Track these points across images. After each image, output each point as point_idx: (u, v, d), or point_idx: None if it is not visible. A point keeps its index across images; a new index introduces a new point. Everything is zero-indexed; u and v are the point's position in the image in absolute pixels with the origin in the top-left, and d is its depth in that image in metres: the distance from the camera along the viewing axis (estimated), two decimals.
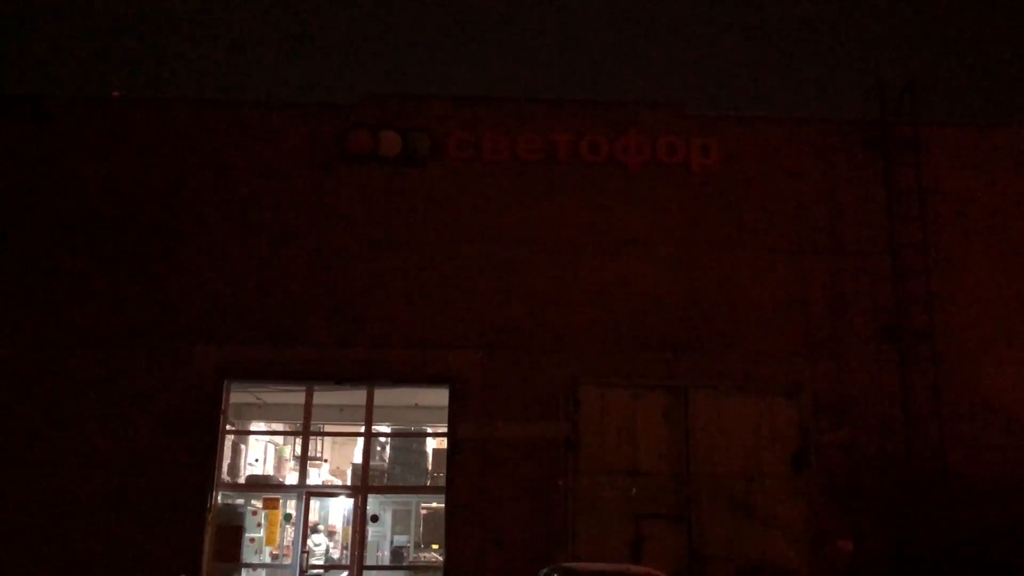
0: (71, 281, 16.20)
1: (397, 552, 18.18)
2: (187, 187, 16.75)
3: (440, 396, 16.36)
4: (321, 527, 18.28)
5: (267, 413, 19.14)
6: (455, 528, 15.49)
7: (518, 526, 15.26)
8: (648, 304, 16.50)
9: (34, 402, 15.59)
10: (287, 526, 17.08)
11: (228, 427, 16.49)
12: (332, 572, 17.37)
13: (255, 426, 19.22)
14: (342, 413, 18.19)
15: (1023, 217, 17.29)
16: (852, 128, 17.57)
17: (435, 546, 17.85)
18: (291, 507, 16.82)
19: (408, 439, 18.96)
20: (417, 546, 18.59)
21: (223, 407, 16.03)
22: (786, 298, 16.63)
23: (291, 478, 18.76)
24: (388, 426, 19.09)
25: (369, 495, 16.64)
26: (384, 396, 16.89)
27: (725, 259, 16.78)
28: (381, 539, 18.23)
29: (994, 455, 15.98)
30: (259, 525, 16.66)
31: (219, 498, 15.86)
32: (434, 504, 18.43)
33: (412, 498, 18.57)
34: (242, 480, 17.53)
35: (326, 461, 21.18)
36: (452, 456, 15.89)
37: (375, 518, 17.28)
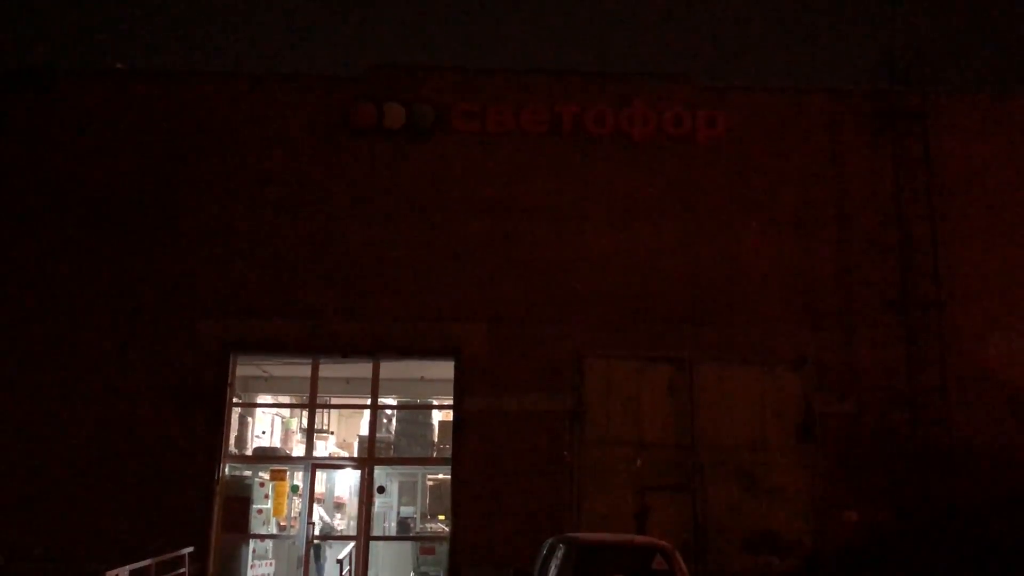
0: (76, 256, 16.23)
1: (403, 523, 18.32)
2: (192, 161, 16.73)
3: (446, 369, 16.41)
4: (319, 502, 18.40)
5: (274, 386, 19.23)
6: (461, 499, 15.59)
7: (524, 497, 15.35)
8: (653, 276, 16.48)
9: (42, 376, 15.67)
10: (294, 498, 17.21)
11: (235, 400, 16.58)
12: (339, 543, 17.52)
13: (262, 399, 19.33)
14: (348, 386, 18.27)
15: None
16: (860, 99, 17.43)
17: (441, 517, 17.98)
18: (298, 479, 16.93)
19: (414, 411, 19.03)
20: (423, 517, 18.74)
21: (230, 380, 16.11)
22: (792, 270, 16.59)
23: (298, 450, 18.88)
24: (394, 398, 19.18)
25: (376, 467, 16.75)
26: (390, 369, 16.96)
27: (731, 231, 16.73)
28: (388, 510, 18.36)
29: (998, 426, 16.00)
30: (266, 497, 16.80)
31: (226, 470, 15.98)
32: (440, 476, 18.55)
33: (418, 470, 18.68)
34: (249, 452, 17.64)
35: (332, 433, 21.31)
36: (458, 428, 15.97)
37: (382, 489, 17.41)
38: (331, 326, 16.18)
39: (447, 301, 16.31)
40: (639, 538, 11.25)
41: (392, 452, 18.32)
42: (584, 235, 16.62)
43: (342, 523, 19.07)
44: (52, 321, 15.92)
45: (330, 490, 19.53)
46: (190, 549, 13.12)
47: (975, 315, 16.49)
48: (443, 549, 16.06)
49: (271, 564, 16.83)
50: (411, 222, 16.59)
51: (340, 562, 11.66)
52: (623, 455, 15.82)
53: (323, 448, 19.96)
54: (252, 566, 16.15)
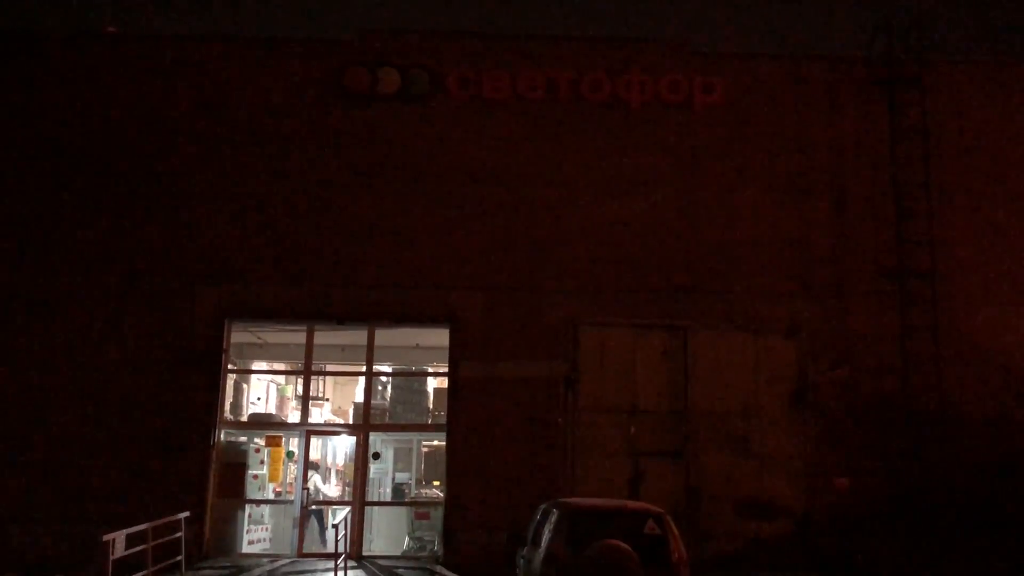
0: (71, 221, 16.16)
1: (398, 489, 18.43)
2: (185, 126, 16.61)
3: (441, 336, 16.43)
4: (315, 469, 18.49)
5: (269, 353, 19.24)
6: (456, 465, 15.69)
7: (518, 463, 15.45)
8: (649, 244, 16.47)
9: (37, 342, 15.66)
10: (290, 464, 17.30)
11: (230, 366, 16.59)
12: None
13: (257, 365, 19.34)
14: (343, 353, 18.29)
15: None
16: (857, 66, 17.32)
17: (436, 483, 18.08)
18: (294, 445, 17.01)
19: (409, 379, 19.08)
20: (419, 483, 18.84)
21: (224, 346, 16.12)
22: (787, 238, 16.59)
23: (293, 417, 18.94)
24: (389, 366, 19.21)
25: (371, 433, 16.82)
26: (385, 336, 16.97)
27: (727, 199, 16.70)
28: (383, 476, 18.48)
29: (990, 394, 16.11)
30: (262, 463, 16.88)
31: (222, 436, 16.04)
32: (435, 442, 18.63)
33: (413, 436, 18.76)
34: (245, 418, 17.70)
35: (327, 400, 21.36)
36: (453, 395, 16.02)
37: (377, 455, 17.49)
38: (326, 293, 16.17)
39: (442, 268, 16.29)
40: (632, 503, 11.33)
41: (387, 419, 18.40)
42: (580, 202, 16.57)
43: (337, 489, 19.18)
44: (46, 287, 15.87)
45: (325, 456, 19.62)
46: (186, 514, 13.18)
47: (969, 284, 16.52)
48: (438, 514, 16.18)
49: (267, 529, 16.95)
50: (406, 189, 16.52)
51: (335, 527, 11.73)
52: (617, 422, 15.90)
53: (318, 415, 19.99)
54: (248, 531, 16.26)
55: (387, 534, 17.25)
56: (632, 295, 16.27)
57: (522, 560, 10.73)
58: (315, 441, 17.78)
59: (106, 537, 10.70)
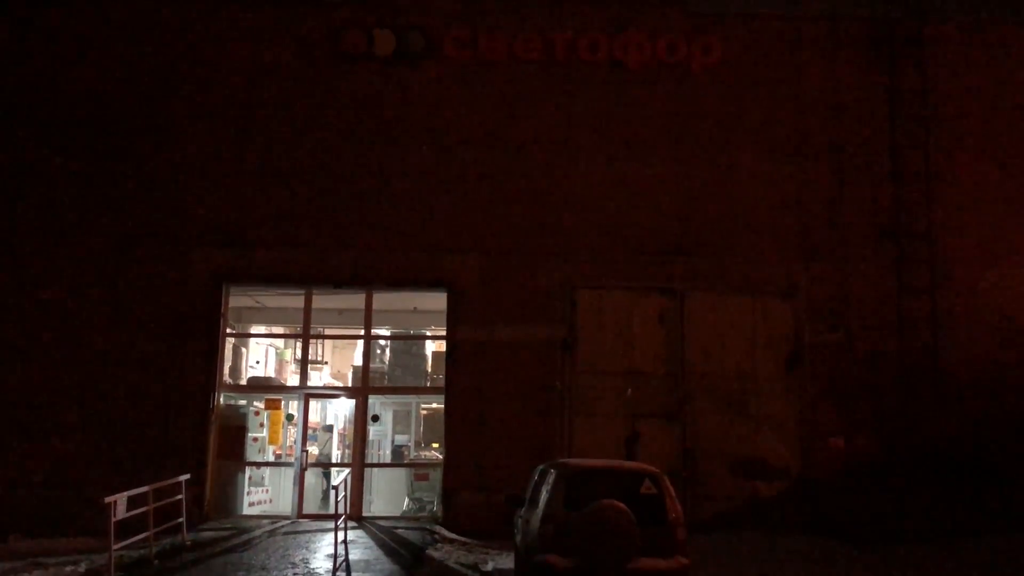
0: (64, 185, 16.08)
1: (398, 451, 18.59)
2: (182, 87, 16.47)
3: (438, 300, 16.45)
4: (314, 432, 18.62)
5: (267, 316, 19.28)
6: (454, 427, 15.79)
7: (515, 425, 15.54)
8: (646, 207, 16.42)
9: (33, 304, 15.66)
10: (289, 426, 17.41)
11: (228, 330, 16.62)
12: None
13: (255, 330, 19.39)
14: (341, 317, 18.33)
15: None
16: (857, 26, 17.14)
17: (435, 445, 18.25)
18: (293, 408, 17.11)
19: (408, 342, 19.16)
20: (417, 445, 19.01)
21: (223, 310, 16.13)
22: (785, 200, 16.54)
23: (292, 380, 19.03)
24: (387, 329, 19.26)
25: (369, 396, 16.91)
26: (383, 300, 17.00)
27: (724, 160, 16.62)
28: (382, 438, 18.62)
29: (987, 355, 16.14)
30: (261, 425, 16.98)
31: (221, 399, 16.12)
32: (434, 405, 18.76)
33: (412, 399, 18.88)
34: (244, 382, 17.78)
35: (326, 364, 21.46)
36: (451, 358, 16.07)
37: (376, 418, 17.61)
38: (323, 257, 16.15)
39: (439, 232, 16.26)
40: (628, 464, 11.40)
41: (386, 382, 18.49)
42: (577, 165, 16.50)
43: (337, 452, 19.35)
44: (42, 251, 15.84)
45: (324, 419, 19.75)
46: (187, 476, 13.27)
47: (967, 245, 16.51)
48: (437, 475, 16.33)
49: (267, 491, 17.11)
50: (402, 152, 16.43)
51: (336, 488, 11.83)
52: (614, 384, 15.98)
53: (317, 379, 20.10)
54: (249, 493, 16.41)
55: (387, 495, 17.42)
56: (629, 258, 16.26)
57: (520, 520, 10.83)
58: (314, 404, 17.89)
59: (108, 499, 10.79)
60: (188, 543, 12.86)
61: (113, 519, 10.72)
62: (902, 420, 15.72)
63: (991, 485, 14.98)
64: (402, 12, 16.76)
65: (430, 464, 17.28)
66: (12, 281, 15.78)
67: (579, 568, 8.91)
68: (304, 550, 12.54)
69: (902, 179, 16.56)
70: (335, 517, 11.53)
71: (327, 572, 10.85)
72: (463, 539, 14.27)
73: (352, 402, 17.44)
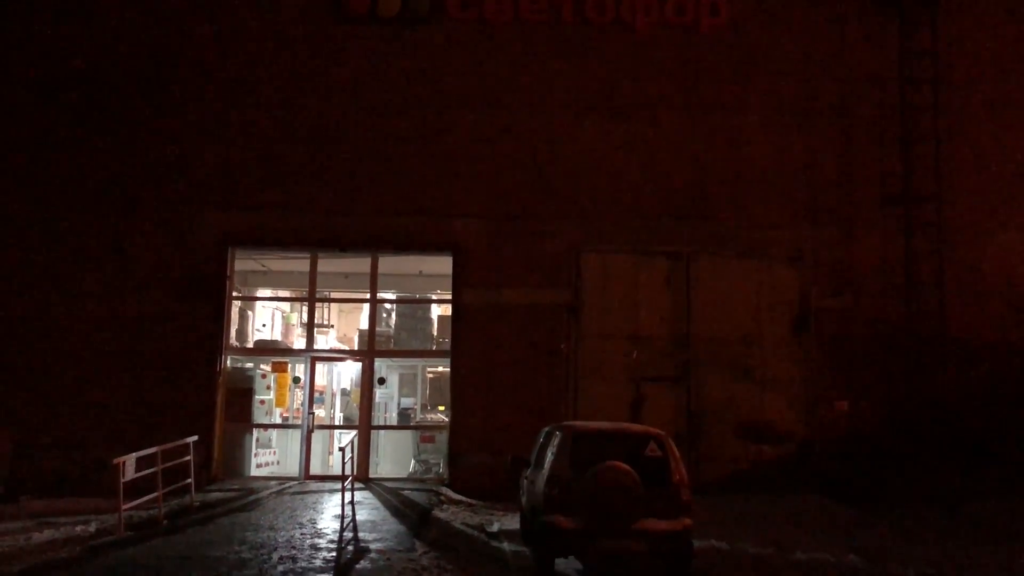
0: (71, 147, 16.02)
1: (404, 413, 18.70)
2: (186, 51, 16.35)
3: (444, 264, 16.44)
4: (320, 395, 18.74)
5: (273, 280, 19.31)
6: (460, 390, 15.85)
7: (521, 388, 15.59)
8: (653, 170, 16.33)
9: (40, 269, 15.69)
10: (295, 389, 17.51)
11: (234, 293, 16.66)
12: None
13: (261, 293, 19.44)
14: (347, 280, 18.37)
15: None
16: None
17: (441, 408, 18.34)
18: (300, 371, 17.20)
19: (413, 306, 19.19)
20: (423, 408, 19.12)
21: (229, 273, 16.15)
22: (793, 163, 16.43)
23: (299, 344, 19.10)
24: (393, 293, 19.29)
25: (376, 359, 16.97)
26: (389, 264, 17.00)
27: (732, 123, 16.48)
28: (388, 401, 18.72)
29: (994, 321, 16.13)
30: (268, 388, 17.09)
31: (228, 362, 16.19)
32: (440, 368, 18.83)
33: (418, 362, 18.95)
34: (250, 345, 17.85)
35: (332, 327, 21.54)
36: (456, 322, 16.10)
37: (382, 381, 17.70)
38: (329, 220, 16.12)
39: (445, 195, 16.20)
40: (634, 426, 11.45)
41: (392, 345, 18.55)
42: (583, 128, 16.38)
43: (342, 413, 19.49)
44: (48, 215, 15.83)
45: (330, 382, 19.87)
46: (194, 438, 13.35)
47: (975, 209, 16.41)
48: (442, 438, 16.43)
49: (275, 453, 17.25)
50: (408, 115, 16.32)
51: (342, 450, 11.92)
52: (619, 348, 16.00)
53: (324, 342, 20.19)
54: (256, 454, 16.55)
55: (393, 457, 17.57)
56: (635, 221, 16.20)
57: (525, 481, 10.91)
58: (320, 367, 17.97)
59: (117, 460, 10.90)
60: (196, 504, 13.00)
61: (122, 480, 10.84)
62: (908, 384, 15.73)
63: (995, 450, 15.03)
64: None
65: (436, 427, 17.39)
66: (17, 246, 15.78)
67: (584, 528, 8.99)
68: (311, 510, 12.67)
69: (911, 142, 16.42)
70: (342, 478, 11.62)
71: (334, 532, 10.96)
72: (469, 500, 14.40)
73: (359, 365, 17.51)
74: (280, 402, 17.43)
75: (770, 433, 15.86)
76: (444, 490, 14.90)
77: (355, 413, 17.46)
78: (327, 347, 19.91)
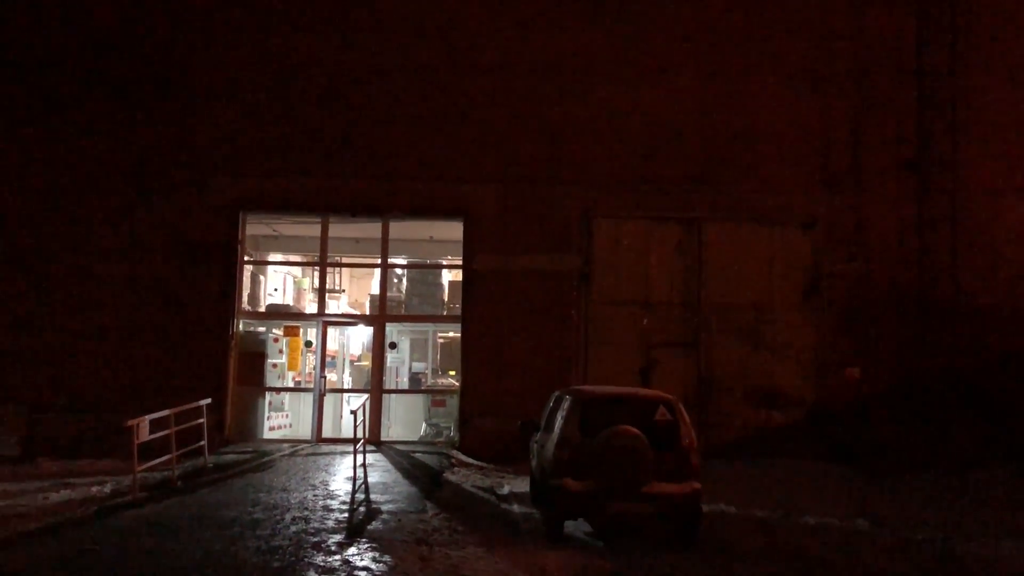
0: (83, 113, 15.99)
1: (415, 378, 18.80)
2: (197, 11, 16.24)
3: (455, 229, 16.42)
4: (332, 359, 18.81)
5: (284, 245, 19.33)
6: (471, 355, 15.91)
7: (531, 353, 15.63)
8: (665, 134, 16.20)
9: (53, 234, 15.75)
10: (307, 353, 17.60)
11: (246, 258, 16.70)
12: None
13: (272, 258, 19.48)
14: (358, 246, 18.38)
15: None
16: None
17: (452, 372, 18.42)
18: (312, 335, 17.26)
19: (424, 271, 19.20)
20: (435, 372, 19.20)
21: (240, 237, 16.18)
22: (806, 127, 16.26)
23: (310, 309, 19.16)
24: (404, 258, 19.30)
25: (387, 324, 17.03)
26: (399, 229, 16.98)
27: (746, 88, 16.30)
28: (400, 365, 18.81)
29: (1007, 286, 16.00)
30: (280, 352, 17.18)
31: (240, 326, 16.27)
32: (451, 333, 18.88)
33: (429, 327, 19.00)
34: (262, 309, 17.93)
35: (344, 292, 21.59)
36: (467, 287, 16.11)
37: (393, 345, 17.76)
38: (339, 185, 16.10)
39: (455, 160, 16.13)
40: (644, 391, 11.49)
41: (403, 310, 18.59)
42: (595, 92, 16.24)
43: (355, 377, 19.59)
44: (59, 179, 15.85)
45: (343, 346, 19.97)
46: (207, 401, 13.47)
47: (990, 174, 16.22)
48: (453, 402, 16.52)
49: (287, 416, 17.39)
50: (418, 79, 16.21)
51: (354, 413, 12.01)
52: (630, 313, 16.01)
53: (335, 307, 20.25)
54: (269, 417, 16.69)
55: (404, 421, 17.68)
56: (647, 187, 16.11)
57: (535, 445, 10.98)
58: (332, 332, 18.03)
59: (130, 422, 11.01)
60: (209, 465, 13.15)
61: (136, 442, 10.95)
62: (919, 350, 15.68)
63: (1007, 416, 15.01)
64: None
65: (447, 391, 17.47)
66: (29, 209, 15.83)
67: (593, 491, 9.07)
68: (324, 472, 12.80)
69: (927, 107, 16.22)
70: (354, 441, 11.72)
71: (346, 494, 11.08)
72: (479, 463, 14.52)
73: (369, 330, 17.59)
74: (292, 366, 17.53)
75: (780, 399, 15.88)
76: (455, 453, 15.02)
77: (366, 377, 17.55)
78: (338, 312, 19.97)
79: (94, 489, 11.71)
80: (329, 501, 10.71)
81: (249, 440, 15.93)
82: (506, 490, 12.28)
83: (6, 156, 15.93)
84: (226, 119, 16.06)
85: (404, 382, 18.76)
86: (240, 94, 16.12)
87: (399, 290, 19.40)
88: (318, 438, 16.11)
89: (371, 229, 16.82)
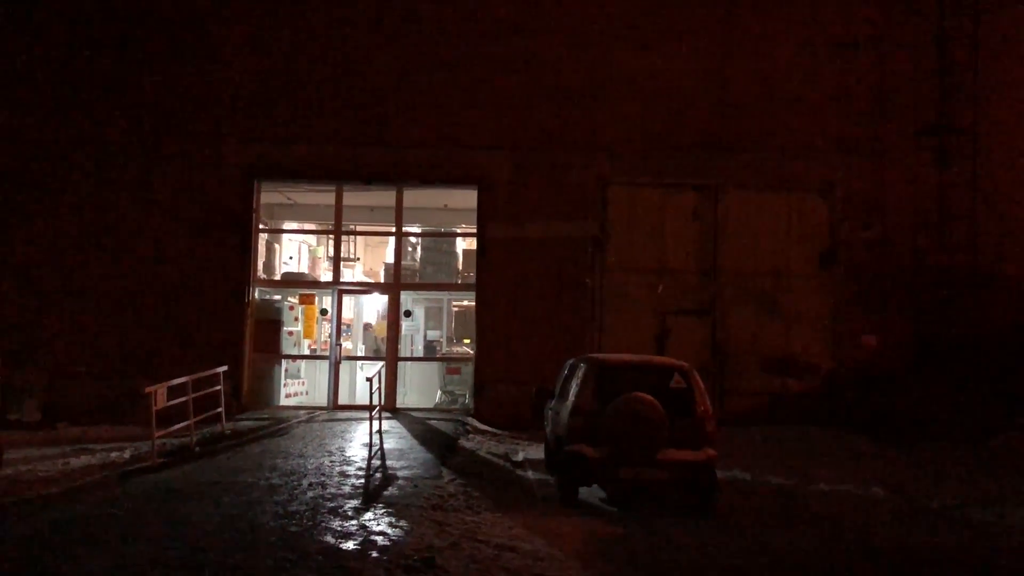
0: (97, 81, 15.98)
1: (430, 346, 18.86)
2: None
3: (469, 198, 16.37)
4: (347, 327, 18.86)
5: (298, 213, 19.35)
6: (485, 323, 15.93)
7: (546, 321, 15.64)
8: (681, 100, 16.04)
9: (71, 201, 15.81)
10: (323, 321, 17.66)
11: (261, 226, 16.72)
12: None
13: (287, 226, 19.50)
14: (373, 214, 18.35)
15: None
16: None
17: (466, 340, 18.47)
18: (328, 303, 17.33)
19: (439, 239, 19.18)
20: (449, 340, 19.25)
21: (255, 206, 16.20)
22: (826, 93, 16.06)
23: (325, 277, 19.21)
24: (418, 227, 19.28)
25: (402, 293, 17.06)
26: (414, 198, 16.95)
27: (764, 52, 16.10)
28: (415, 333, 18.86)
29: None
30: (296, 320, 17.25)
31: (256, 293, 16.33)
32: (465, 302, 18.91)
33: (443, 295, 19.02)
34: (278, 277, 17.98)
35: (359, 260, 21.62)
36: (482, 255, 16.09)
37: (408, 313, 17.81)
38: (353, 153, 16.05)
39: (469, 128, 16.04)
40: (659, 358, 11.48)
41: (417, 279, 18.61)
42: (610, 56, 16.07)
43: (368, 345, 19.67)
44: (74, 148, 15.86)
45: (358, 314, 20.02)
46: (224, 368, 13.54)
47: (1010, 140, 16.01)
48: (468, 369, 16.58)
49: (303, 383, 17.50)
50: (432, 45, 16.09)
51: (370, 380, 12.06)
52: (645, 281, 15.96)
53: (350, 275, 20.29)
54: (285, 385, 16.80)
55: (419, 388, 17.76)
56: (663, 153, 15.99)
57: (550, 412, 11.00)
58: (347, 300, 18.07)
59: (148, 389, 11.09)
60: (227, 432, 13.24)
61: (154, 408, 11.04)
62: (937, 318, 15.58)
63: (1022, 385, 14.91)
64: None
65: (462, 359, 17.52)
66: (47, 179, 15.86)
67: (608, 458, 9.08)
68: (340, 439, 12.87)
69: (948, 73, 15.97)
70: (370, 408, 11.78)
71: (363, 460, 11.14)
72: (494, 430, 14.59)
73: (384, 298, 17.61)
74: (308, 334, 17.61)
75: (796, 366, 15.84)
76: (470, 420, 15.09)
77: (381, 346, 17.61)
78: (353, 280, 20.01)
79: (114, 455, 11.83)
80: (345, 467, 10.78)
81: (265, 407, 16.04)
82: (521, 456, 12.34)
83: (22, 120, 15.93)
84: (241, 87, 16.02)
85: (419, 350, 18.82)
86: (254, 62, 16.05)
87: (414, 258, 19.41)
88: (334, 405, 16.21)
89: (386, 197, 16.80)
